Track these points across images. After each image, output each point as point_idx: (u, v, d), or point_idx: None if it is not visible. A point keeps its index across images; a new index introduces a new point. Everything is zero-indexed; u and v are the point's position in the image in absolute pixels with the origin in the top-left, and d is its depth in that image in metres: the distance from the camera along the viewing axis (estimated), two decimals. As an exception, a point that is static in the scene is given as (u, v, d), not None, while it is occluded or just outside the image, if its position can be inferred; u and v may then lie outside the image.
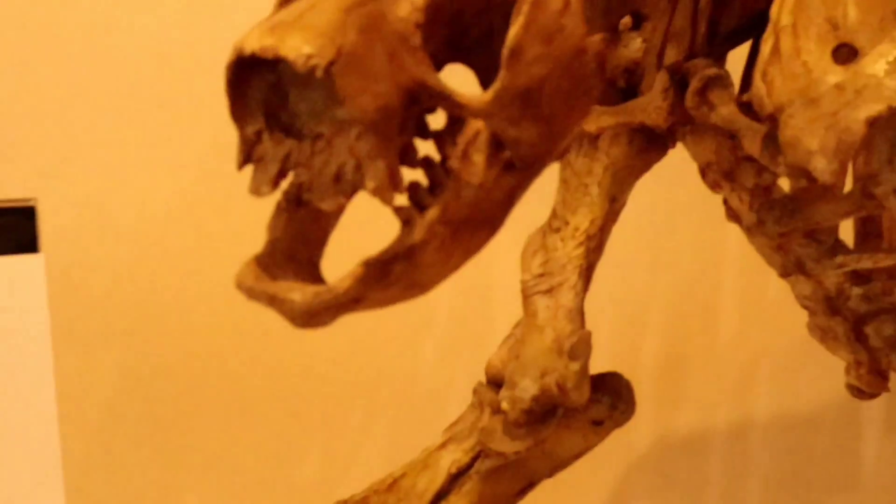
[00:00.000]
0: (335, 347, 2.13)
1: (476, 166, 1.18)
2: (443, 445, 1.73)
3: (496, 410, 1.65)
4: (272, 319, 1.92)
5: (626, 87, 1.58)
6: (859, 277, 1.61)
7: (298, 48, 1.04)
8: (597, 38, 1.25)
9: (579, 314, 1.61)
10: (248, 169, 1.13)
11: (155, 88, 2.10)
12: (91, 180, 2.04)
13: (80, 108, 2.07)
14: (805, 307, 1.67)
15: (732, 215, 1.63)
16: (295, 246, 1.18)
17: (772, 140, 1.38)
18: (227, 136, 1.14)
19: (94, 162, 2.05)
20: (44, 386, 1.65)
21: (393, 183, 1.09)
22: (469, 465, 1.72)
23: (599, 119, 1.55)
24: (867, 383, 1.71)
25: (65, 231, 1.96)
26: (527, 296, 1.63)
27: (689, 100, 1.50)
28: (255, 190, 1.11)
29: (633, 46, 1.55)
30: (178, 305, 2.08)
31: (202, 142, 2.05)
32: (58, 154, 2.06)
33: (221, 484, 2.13)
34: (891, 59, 1.34)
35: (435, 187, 1.17)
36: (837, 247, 1.60)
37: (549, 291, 1.63)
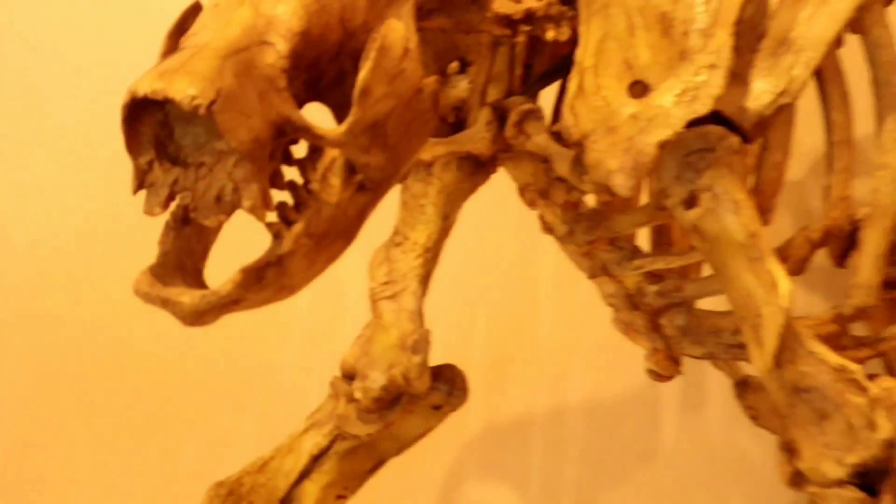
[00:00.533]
0: (211, 350, 2.12)
1: (333, 188, 1.22)
2: (305, 431, 1.74)
3: (350, 399, 1.66)
4: (156, 333, 1.94)
5: (454, 121, 1.59)
6: (654, 277, 1.64)
7: (184, 90, 1.07)
8: (431, 80, 1.29)
9: (419, 315, 1.63)
10: (142, 192, 1.15)
11: (53, 110, 2.06)
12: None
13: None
14: (610, 304, 1.70)
15: (547, 228, 1.65)
16: (182, 257, 1.21)
17: (578, 162, 1.41)
18: (123, 162, 1.16)
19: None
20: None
21: (265, 203, 1.13)
22: (328, 447, 1.73)
23: (433, 149, 1.56)
24: (664, 368, 1.74)
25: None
26: (374, 301, 1.65)
27: (509, 131, 1.53)
28: (149, 211, 1.14)
29: (461, 87, 1.55)
30: (69, 318, 2.05)
31: (99, 167, 2.02)
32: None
33: (115, 470, 2.10)
34: (676, 92, 1.38)
35: (299, 206, 1.21)
36: (635, 252, 1.63)
37: (393, 297, 1.64)
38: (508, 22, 1.45)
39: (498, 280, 2.31)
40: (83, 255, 2.07)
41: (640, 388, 2.37)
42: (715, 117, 1.37)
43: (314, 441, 1.74)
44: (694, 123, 1.36)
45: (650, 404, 2.45)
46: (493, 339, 2.33)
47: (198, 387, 2.15)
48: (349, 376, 1.69)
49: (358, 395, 1.66)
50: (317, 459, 1.74)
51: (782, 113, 1.48)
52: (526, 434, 2.37)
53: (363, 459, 1.77)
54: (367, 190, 1.26)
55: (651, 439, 2.47)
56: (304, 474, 1.75)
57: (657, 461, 2.48)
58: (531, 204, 1.64)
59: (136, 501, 2.13)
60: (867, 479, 1.40)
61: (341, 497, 1.79)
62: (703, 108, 1.34)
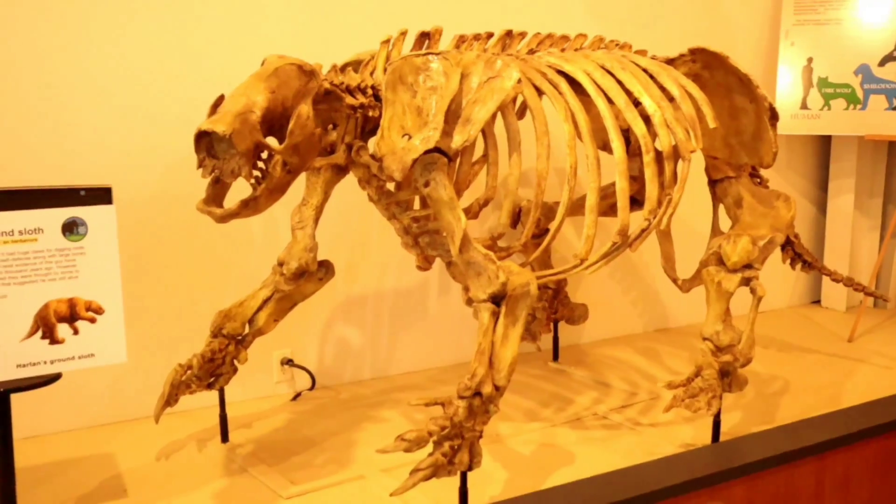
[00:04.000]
0: (222, 246, 2.27)
1: (277, 171, 1.55)
2: (260, 288, 2.01)
3: (281, 274, 1.93)
4: (201, 234, 2.17)
5: (330, 150, 1.82)
6: (416, 219, 1.88)
7: (219, 128, 1.42)
8: (318, 130, 1.59)
9: (313, 237, 1.89)
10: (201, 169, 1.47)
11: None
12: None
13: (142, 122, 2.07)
14: (398, 234, 1.92)
15: (370, 198, 1.88)
16: (215, 195, 1.54)
17: (380, 168, 1.66)
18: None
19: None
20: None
21: (251, 174, 1.48)
22: (270, 297, 2.00)
23: (319, 162, 1.79)
24: (422, 263, 1.97)
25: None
26: (293, 230, 1.90)
27: (354, 154, 1.79)
28: (203, 175, 1.48)
29: (333, 135, 1.82)
30: (174, 222, 2.18)
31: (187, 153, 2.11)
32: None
33: (195, 304, 2.24)
34: (421, 138, 1.60)
35: (264, 177, 1.53)
36: (408, 206, 1.87)
37: (302, 228, 1.90)
38: (353, 108, 1.75)
39: (352, 221, 2.46)
40: (181, 193, 2.15)
41: (420, 276, 2.61)
42: (437, 150, 1.64)
43: (264, 293, 2.02)
44: (428, 152, 1.63)
45: (425, 284, 2.65)
46: (350, 249, 2.49)
47: (214, 263, 2.28)
48: (281, 264, 1.95)
49: (285, 272, 1.93)
50: (265, 302, 2.01)
51: (466, 149, 1.77)
52: (364, 299, 2.56)
53: (286, 302, 2.04)
54: (290, 173, 1.57)
55: (425, 304, 2.68)
56: (260, 308, 2.01)
57: (429, 315, 2.69)
58: (363, 187, 1.90)
59: (185, 317, 2.24)
60: (497, 300, 1.69)
61: (276, 320, 2.03)
62: (430, 145, 1.62)
